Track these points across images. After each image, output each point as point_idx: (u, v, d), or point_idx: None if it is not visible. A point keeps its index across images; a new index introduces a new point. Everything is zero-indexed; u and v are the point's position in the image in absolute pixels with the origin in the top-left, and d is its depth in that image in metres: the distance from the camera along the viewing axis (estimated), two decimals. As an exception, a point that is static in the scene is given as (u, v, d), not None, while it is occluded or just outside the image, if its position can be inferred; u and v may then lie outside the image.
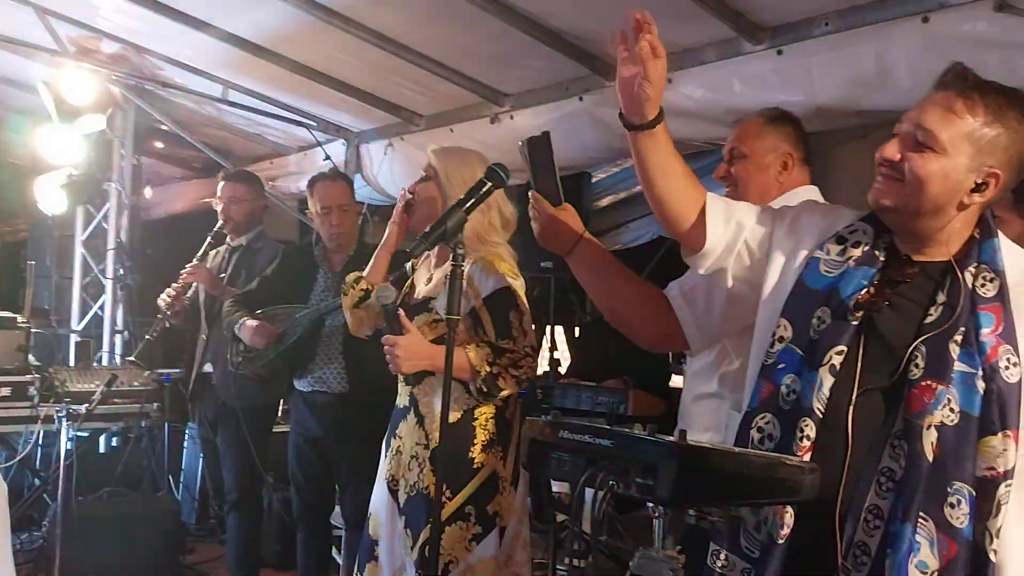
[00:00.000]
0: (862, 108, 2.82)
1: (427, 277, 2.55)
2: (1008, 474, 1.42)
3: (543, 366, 6.79)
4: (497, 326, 2.34)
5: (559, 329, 7.04)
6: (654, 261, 5.63)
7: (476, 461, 2.34)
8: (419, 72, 3.67)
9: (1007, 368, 1.44)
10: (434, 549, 1.96)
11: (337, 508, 3.69)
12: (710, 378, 2.14)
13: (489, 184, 2.01)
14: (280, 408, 4.39)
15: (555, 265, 4.29)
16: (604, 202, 6.10)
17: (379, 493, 2.52)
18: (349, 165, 4.53)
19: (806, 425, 1.50)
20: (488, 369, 2.28)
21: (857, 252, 1.59)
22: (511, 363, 2.31)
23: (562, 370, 6.71)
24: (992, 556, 1.42)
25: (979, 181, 1.49)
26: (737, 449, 1.44)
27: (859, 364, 1.51)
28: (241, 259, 3.95)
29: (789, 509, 1.47)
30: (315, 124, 4.55)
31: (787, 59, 2.84)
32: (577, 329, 6.92)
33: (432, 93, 3.91)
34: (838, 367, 1.51)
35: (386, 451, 2.53)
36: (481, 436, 2.36)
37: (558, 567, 3.84)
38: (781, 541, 1.47)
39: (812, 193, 2.19)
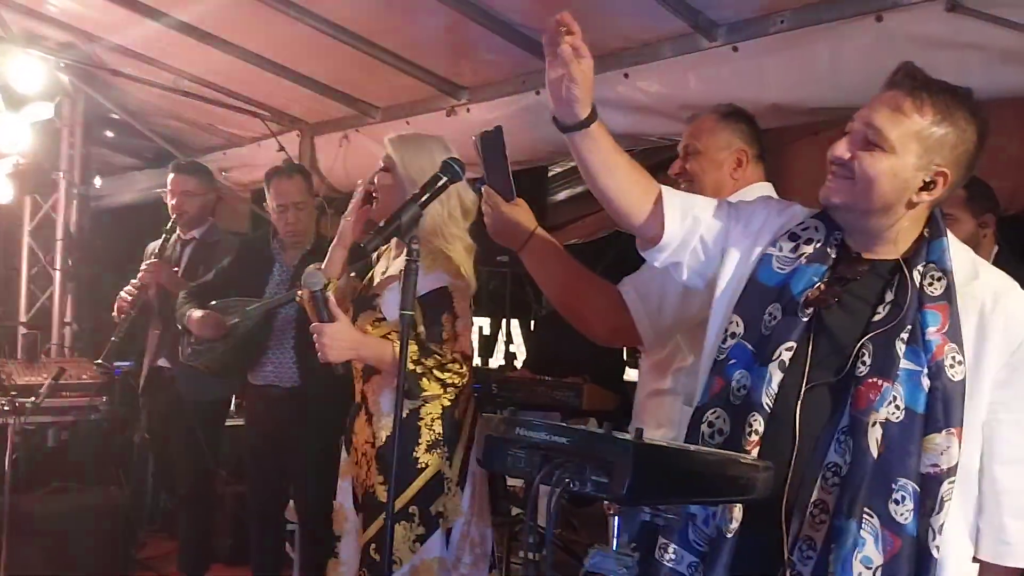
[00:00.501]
0: (816, 105, 2.85)
1: (383, 270, 2.52)
2: (951, 471, 1.45)
3: (499, 359, 6.82)
4: (428, 327, 2.30)
5: (515, 323, 7.06)
6: (612, 255, 5.67)
7: (420, 461, 2.32)
8: (375, 63, 3.63)
9: (952, 367, 1.47)
10: (387, 552, 1.96)
11: (291, 503, 3.66)
12: (664, 374, 2.15)
13: (445, 179, 2.00)
14: (233, 402, 4.34)
15: (511, 259, 4.27)
16: (562, 196, 6.12)
17: (344, 487, 2.51)
18: (303, 157, 4.47)
19: (755, 420, 1.51)
20: (411, 367, 2.22)
21: (809, 249, 1.61)
22: (437, 365, 2.26)
23: (518, 364, 6.74)
24: (935, 552, 1.44)
25: (927, 180, 1.52)
26: (692, 447, 1.45)
27: (808, 360, 1.53)
28: (196, 253, 3.90)
29: (737, 504, 1.48)
30: (269, 115, 4.49)
31: (742, 56, 2.86)
32: (533, 323, 6.94)
33: (388, 85, 3.88)
34: (787, 363, 1.53)
35: (345, 447, 2.52)
36: (426, 436, 2.34)
37: (512, 560, 3.86)
38: (730, 535, 1.49)
39: (766, 190, 2.22)
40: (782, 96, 2.83)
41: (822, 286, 1.56)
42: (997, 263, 2.70)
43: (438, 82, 3.74)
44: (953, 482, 1.46)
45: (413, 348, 2.23)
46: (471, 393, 2.44)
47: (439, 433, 2.34)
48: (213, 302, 3.35)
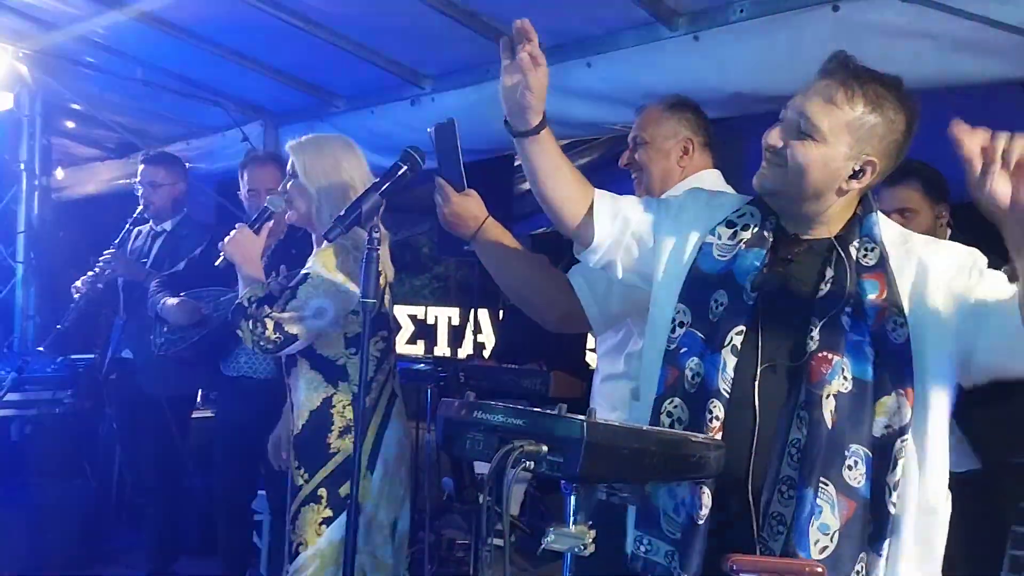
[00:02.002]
0: (776, 94, 2.87)
1: None
2: (903, 430, 1.50)
3: (467, 349, 6.84)
4: (279, 290, 2.44)
5: (484, 312, 7.08)
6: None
7: (332, 446, 2.40)
8: (339, 53, 3.62)
9: (894, 330, 1.52)
10: (350, 550, 2.00)
11: (261, 493, 3.67)
12: (617, 359, 2.20)
13: (405, 167, 2.02)
14: (199, 393, 4.33)
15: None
16: (527, 185, 6.13)
17: None
18: (268, 147, 4.44)
19: (714, 406, 1.56)
20: (244, 301, 2.36)
21: (747, 235, 1.65)
22: (254, 318, 2.33)
23: (487, 354, 6.76)
24: (892, 508, 1.50)
25: (857, 168, 1.57)
26: (645, 427, 1.48)
27: (760, 342, 1.57)
28: (166, 245, 3.87)
29: (707, 489, 1.53)
30: (232, 105, 4.46)
31: (703, 45, 2.88)
32: (501, 312, 6.96)
33: (352, 74, 3.86)
34: (739, 347, 1.57)
35: None
36: (338, 422, 2.41)
37: (480, 547, 3.88)
38: (701, 522, 1.53)
39: (714, 176, 2.27)
40: (743, 84, 2.86)
41: (764, 269, 1.60)
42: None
43: (402, 71, 3.73)
44: (906, 440, 1.51)
45: (256, 292, 2.38)
46: (383, 380, 2.50)
47: (350, 419, 2.41)
48: (183, 292, 3.34)
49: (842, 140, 1.55)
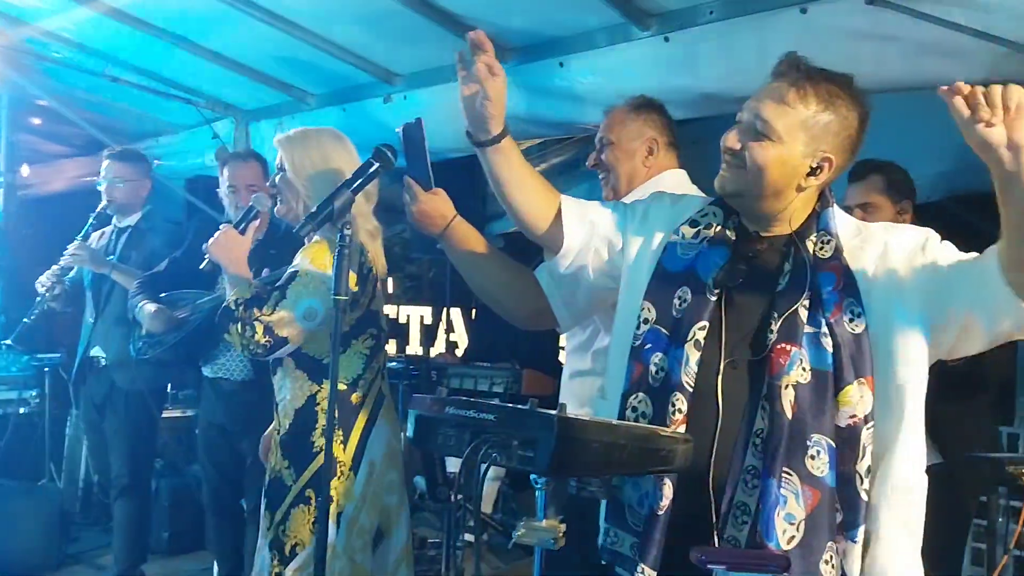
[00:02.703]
0: (745, 95, 2.90)
1: None
2: (868, 418, 1.54)
3: (440, 348, 6.83)
4: (268, 292, 2.36)
5: (457, 311, 7.08)
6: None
7: (316, 445, 2.35)
8: (310, 50, 3.60)
9: (852, 320, 1.56)
10: (320, 549, 1.97)
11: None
12: (584, 356, 2.23)
13: (377, 164, 2.02)
14: (172, 393, 4.30)
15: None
16: (502, 184, 6.13)
17: None
18: (238, 144, 4.42)
19: (677, 399, 1.58)
20: (231, 304, 2.32)
21: (710, 233, 1.70)
22: (243, 320, 2.29)
23: (459, 352, 6.76)
24: (864, 495, 1.53)
25: (814, 165, 1.61)
26: (614, 421, 1.50)
27: (723, 336, 1.60)
28: (131, 240, 3.84)
29: (668, 481, 1.55)
30: (202, 102, 4.42)
31: (673, 46, 2.91)
32: (473, 311, 6.96)
33: (324, 72, 3.85)
34: (702, 342, 1.61)
35: None
36: (322, 420, 2.36)
37: (452, 545, 3.88)
38: (662, 512, 1.55)
39: (679, 176, 2.31)
40: (713, 85, 2.89)
41: (726, 267, 1.64)
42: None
43: (375, 69, 3.73)
44: (871, 428, 1.54)
45: (244, 294, 2.33)
46: (371, 379, 2.46)
47: (335, 418, 2.31)
48: (163, 294, 3.32)
49: (798, 139, 1.59)
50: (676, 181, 2.29)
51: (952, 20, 2.31)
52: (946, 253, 1.59)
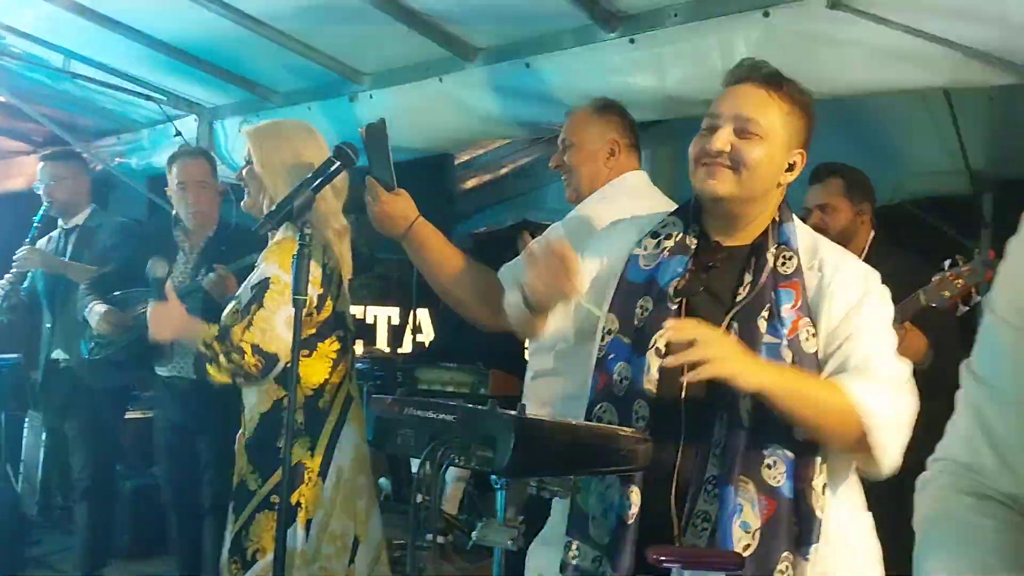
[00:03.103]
0: (709, 97, 2.90)
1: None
2: None
3: (407, 348, 6.81)
4: (241, 313, 2.28)
5: (424, 312, 7.06)
6: (520, 244, 5.71)
7: (283, 451, 2.27)
8: (275, 48, 3.57)
9: (807, 339, 1.58)
10: (280, 558, 1.94)
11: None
12: (546, 356, 2.24)
13: (338, 163, 2.01)
14: (135, 394, 4.24)
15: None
16: (469, 184, 6.13)
17: None
18: (202, 142, 4.36)
19: (639, 406, 1.60)
20: (202, 348, 2.23)
21: (670, 244, 1.71)
22: (226, 350, 2.21)
23: (427, 353, 6.74)
24: (818, 512, 1.54)
25: (790, 162, 1.65)
26: (574, 421, 1.50)
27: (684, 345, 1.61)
28: (80, 239, 3.79)
29: (635, 488, 1.55)
30: (165, 98, 4.36)
31: (639, 48, 2.92)
32: (439, 311, 6.95)
33: (289, 69, 3.82)
34: (663, 349, 1.61)
35: None
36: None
37: (418, 544, 3.87)
38: (631, 522, 1.56)
39: (639, 178, 2.32)
40: (677, 88, 2.91)
41: (687, 276, 1.65)
42: (872, 249, 2.86)
43: (340, 68, 3.70)
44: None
45: (212, 331, 2.26)
46: (338, 383, 2.42)
47: (300, 423, 2.32)
48: (116, 292, 3.27)
49: (778, 135, 1.62)
50: (637, 183, 2.31)
51: (912, 26, 2.34)
52: (865, 330, 1.60)
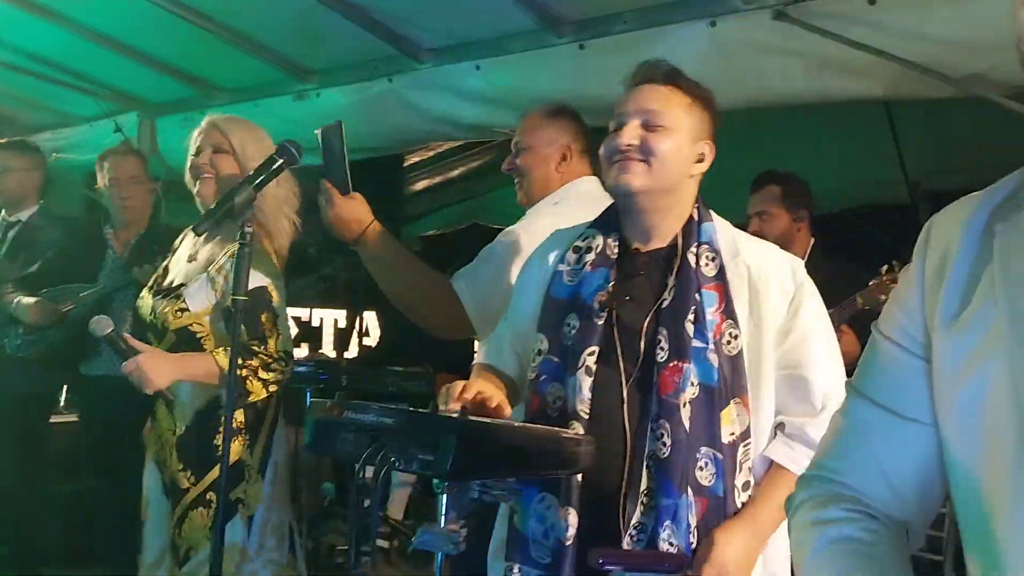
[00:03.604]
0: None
1: (189, 255, 2.43)
2: (745, 435, 1.59)
3: (352, 351, 6.74)
4: (248, 326, 2.22)
5: (371, 314, 6.99)
6: (470, 246, 5.68)
7: (220, 449, 2.25)
8: (220, 43, 3.51)
9: (729, 342, 1.61)
10: (217, 554, 1.95)
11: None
12: None
13: (281, 161, 1.98)
14: (64, 397, 4.12)
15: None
16: (419, 186, 6.09)
17: (151, 475, 2.45)
18: (142, 138, 4.27)
19: (574, 427, 1.59)
20: (243, 372, 2.19)
21: (591, 256, 1.72)
22: (262, 365, 2.22)
23: (374, 356, 6.67)
24: (739, 508, 1.59)
25: (699, 152, 1.68)
26: (516, 424, 1.50)
27: (616, 359, 1.62)
28: (20, 236, 3.67)
29: (572, 510, 1.56)
30: (105, 93, 4.25)
31: (588, 54, 2.94)
32: (387, 313, 6.89)
33: (235, 66, 3.75)
34: (593, 367, 1.61)
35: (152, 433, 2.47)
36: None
37: (362, 548, 3.83)
38: (569, 543, 1.56)
39: (591, 183, 2.33)
40: (626, 94, 2.93)
41: (611, 287, 1.65)
42: (812, 257, 2.92)
43: (287, 65, 3.65)
44: (748, 445, 1.60)
45: (223, 357, 2.19)
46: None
47: (240, 421, 2.32)
48: (44, 290, 3.18)
49: (684, 127, 1.67)
50: (590, 188, 2.31)
51: (852, 38, 2.38)
52: (810, 336, 1.65)
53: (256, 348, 2.22)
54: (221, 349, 2.20)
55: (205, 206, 2.30)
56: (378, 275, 2.10)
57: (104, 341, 2.20)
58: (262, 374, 2.20)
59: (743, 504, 1.60)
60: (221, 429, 2.27)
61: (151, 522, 2.42)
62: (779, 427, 1.66)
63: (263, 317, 2.24)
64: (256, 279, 2.21)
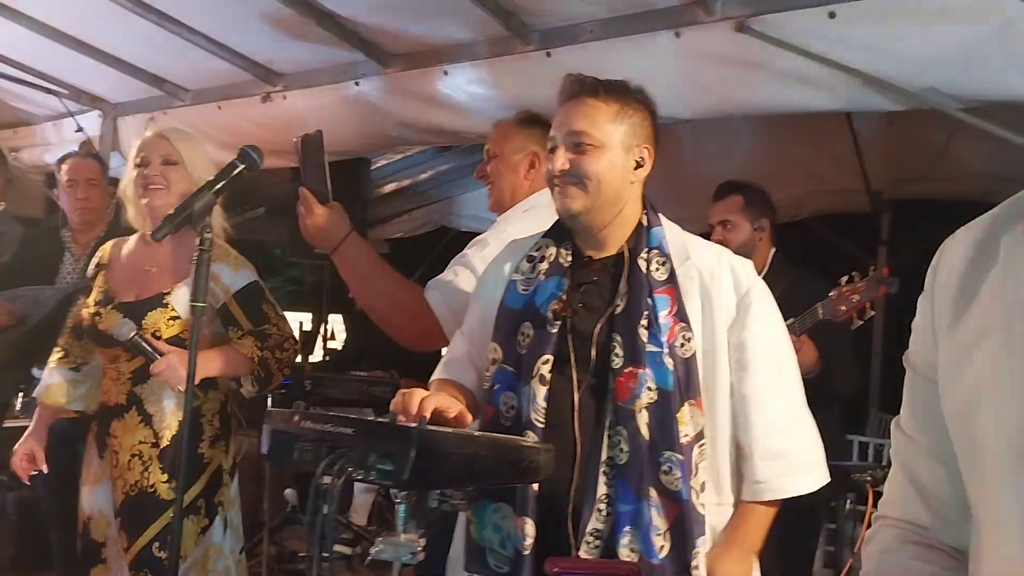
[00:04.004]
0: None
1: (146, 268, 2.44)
2: (699, 436, 1.60)
3: (317, 355, 6.70)
4: (253, 318, 2.36)
5: (337, 317, 6.95)
6: (438, 250, 5.68)
7: (205, 456, 2.35)
8: (185, 44, 3.47)
9: (683, 345, 1.62)
10: (175, 547, 1.92)
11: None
12: None
13: (242, 166, 1.96)
14: (20, 401, 4.04)
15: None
16: (386, 189, 6.07)
17: (101, 493, 2.42)
18: (105, 139, 4.21)
19: (528, 437, 1.59)
20: (260, 353, 2.30)
21: (544, 265, 1.72)
22: (276, 345, 2.35)
23: (340, 360, 6.62)
24: (700, 509, 1.60)
25: (637, 159, 1.67)
26: (475, 433, 1.50)
27: (570, 367, 1.62)
28: (-23, 239, 3.60)
29: (529, 520, 1.56)
30: (66, 92, 4.19)
31: (555, 61, 2.94)
32: (353, 317, 6.86)
33: (200, 67, 3.71)
34: (547, 376, 1.62)
35: (99, 451, 2.43)
36: (208, 431, 2.37)
37: (324, 554, 3.81)
38: (527, 552, 1.56)
39: None
40: (594, 102, 2.94)
41: (563, 295, 1.66)
42: (773, 265, 2.95)
43: (253, 67, 3.62)
44: (703, 446, 1.61)
45: (252, 339, 2.32)
46: (239, 387, 2.48)
47: (218, 428, 2.39)
48: (-1, 292, 3.13)
49: (613, 139, 1.65)
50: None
51: (813, 51, 2.42)
52: (763, 352, 1.67)
53: (269, 331, 2.34)
54: (238, 339, 2.32)
55: (154, 218, 2.28)
56: (355, 286, 2.11)
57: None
58: (278, 353, 2.33)
59: (703, 504, 1.61)
60: (204, 436, 2.35)
61: (110, 541, 2.40)
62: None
63: (264, 307, 2.37)
64: (244, 276, 2.34)
